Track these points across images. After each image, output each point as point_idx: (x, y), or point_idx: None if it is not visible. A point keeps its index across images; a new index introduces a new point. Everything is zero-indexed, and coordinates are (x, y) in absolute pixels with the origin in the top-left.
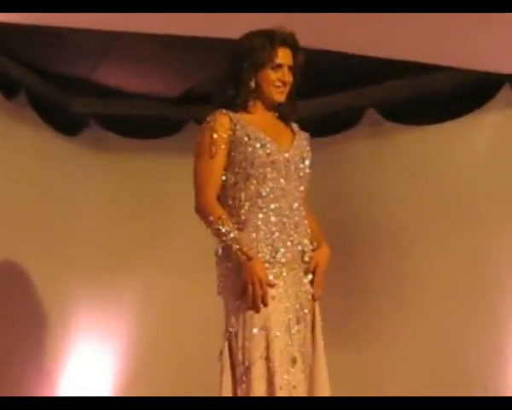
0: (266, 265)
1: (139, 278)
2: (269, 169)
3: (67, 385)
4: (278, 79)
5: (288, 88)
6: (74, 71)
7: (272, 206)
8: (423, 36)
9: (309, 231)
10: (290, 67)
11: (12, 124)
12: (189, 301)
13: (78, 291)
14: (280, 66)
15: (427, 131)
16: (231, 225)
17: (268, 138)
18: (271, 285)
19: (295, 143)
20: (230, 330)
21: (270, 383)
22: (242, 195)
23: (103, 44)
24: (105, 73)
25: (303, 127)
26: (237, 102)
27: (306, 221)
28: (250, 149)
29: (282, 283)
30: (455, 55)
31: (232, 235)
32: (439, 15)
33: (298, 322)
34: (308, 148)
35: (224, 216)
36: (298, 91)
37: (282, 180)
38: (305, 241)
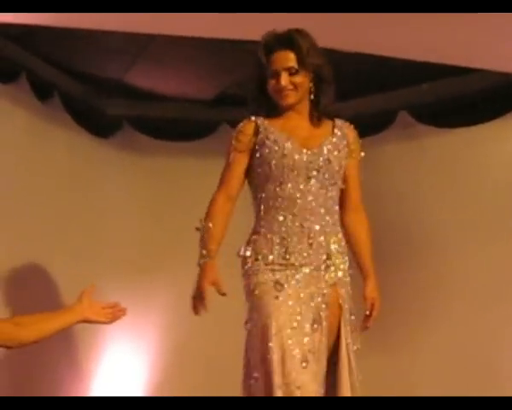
0: (277, 266)
1: (171, 279)
2: (286, 170)
3: (99, 386)
4: (275, 86)
5: (298, 88)
6: (108, 73)
7: (290, 208)
8: (455, 38)
9: (340, 237)
10: (291, 68)
11: (45, 126)
12: (221, 302)
13: (110, 293)
14: (276, 72)
15: (458, 134)
16: (212, 229)
17: (288, 140)
18: (220, 292)
19: (325, 143)
20: (245, 327)
21: (267, 382)
22: (262, 196)
23: (137, 46)
24: (138, 75)
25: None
26: (264, 110)
27: (339, 228)
28: (267, 151)
29: (293, 282)
30: (486, 58)
31: (202, 238)
32: (470, 16)
33: (314, 323)
34: (342, 147)
35: (213, 221)
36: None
37: (301, 182)
38: (332, 247)
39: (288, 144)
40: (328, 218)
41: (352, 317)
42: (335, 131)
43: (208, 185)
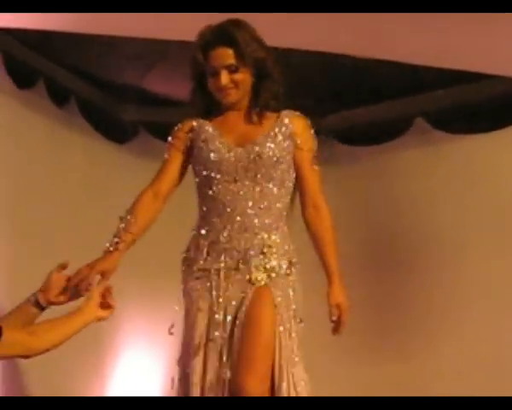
0: (199, 273)
1: None
2: (214, 170)
3: (115, 388)
4: (214, 85)
5: (240, 86)
6: (124, 78)
7: (220, 210)
8: (471, 44)
9: (275, 237)
10: (230, 66)
11: (62, 131)
12: None
13: (129, 297)
14: (215, 71)
15: (475, 140)
16: (129, 222)
17: (219, 138)
18: (103, 287)
19: (259, 138)
20: None
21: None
22: (200, 198)
23: (154, 52)
24: (155, 81)
25: (345, 134)
26: (205, 109)
27: (275, 226)
28: (197, 151)
29: (214, 292)
30: (503, 64)
31: (118, 227)
32: (486, 22)
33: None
34: (282, 139)
35: (132, 214)
36: (345, 99)
37: (231, 181)
38: (259, 246)
39: (217, 144)
40: (265, 219)
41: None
42: (277, 123)
43: None
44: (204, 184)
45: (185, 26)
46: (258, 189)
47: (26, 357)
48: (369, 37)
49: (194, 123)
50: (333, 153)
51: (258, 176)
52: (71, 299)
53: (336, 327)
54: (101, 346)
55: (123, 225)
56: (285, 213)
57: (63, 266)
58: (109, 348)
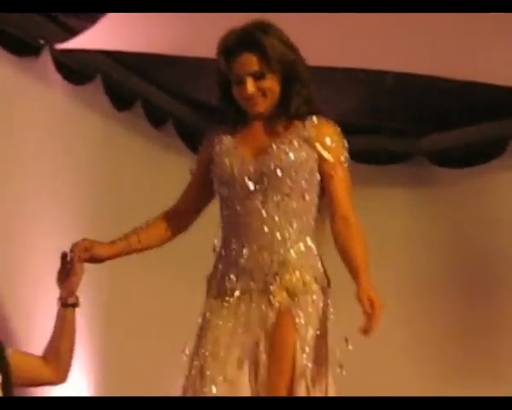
0: (218, 294)
1: None
2: (227, 186)
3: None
4: (240, 94)
5: (268, 94)
6: None
7: (236, 229)
8: None
9: (295, 256)
10: (256, 73)
11: (159, 152)
12: None
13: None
14: (240, 79)
15: None
16: (136, 229)
17: (234, 152)
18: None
19: (276, 148)
20: None
21: None
22: (221, 218)
23: None
24: None
25: (440, 157)
26: (232, 120)
27: (296, 241)
28: (213, 167)
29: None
30: None
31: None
32: None
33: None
34: (304, 148)
35: (144, 224)
36: (439, 121)
37: (244, 197)
38: (279, 264)
39: (230, 157)
40: (284, 235)
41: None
42: (301, 130)
43: None
44: (221, 203)
45: None
46: (273, 203)
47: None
48: (465, 59)
49: (214, 137)
50: (427, 175)
51: (272, 189)
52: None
53: (368, 324)
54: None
55: (134, 229)
56: (310, 228)
57: (64, 256)
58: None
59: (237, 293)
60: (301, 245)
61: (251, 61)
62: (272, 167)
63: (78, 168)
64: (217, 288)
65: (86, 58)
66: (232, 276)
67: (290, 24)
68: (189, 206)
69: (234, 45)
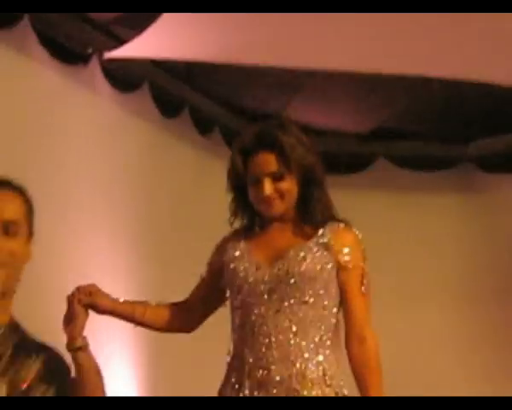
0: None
1: None
2: (239, 293)
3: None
4: (257, 196)
5: (285, 196)
6: (267, 107)
7: (248, 339)
8: None
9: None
10: (274, 173)
11: (206, 159)
12: None
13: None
14: (257, 179)
15: None
16: (149, 304)
17: (248, 257)
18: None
19: (292, 252)
20: None
21: None
22: (231, 326)
23: (296, 81)
24: (297, 110)
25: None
26: (247, 225)
27: (314, 354)
28: (225, 273)
29: None
30: None
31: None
32: None
33: None
34: (321, 255)
35: (159, 304)
36: (487, 126)
37: (257, 305)
38: (297, 379)
39: (244, 263)
40: (301, 347)
41: None
42: (320, 237)
43: (363, 218)
44: (232, 313)
45: (327, 56)
46: (289, 312)
47: None
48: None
49: (227, 242)
50: (475, 181)
51: (289, 297)
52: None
53: None
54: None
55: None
56: (329, 338)
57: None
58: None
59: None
60: (320, 357)
61: (269, 161)
62: (289, 275)
63: (126, 174)
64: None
65: (134, 66)
66: (246, 391)
67: (341, 26)
68: (197, 307)
69: (251, 144)
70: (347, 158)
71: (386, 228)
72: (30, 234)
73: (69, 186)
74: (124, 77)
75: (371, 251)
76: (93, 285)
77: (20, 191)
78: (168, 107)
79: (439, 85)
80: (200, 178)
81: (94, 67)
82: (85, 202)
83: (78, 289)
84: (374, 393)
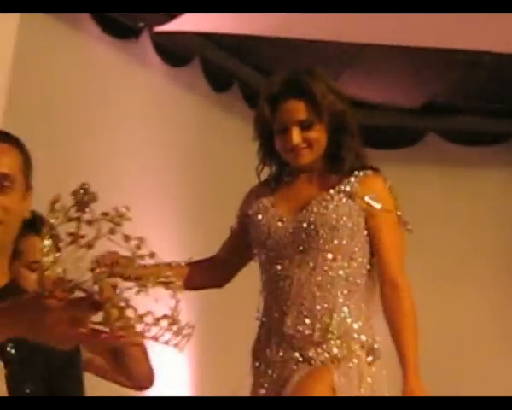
0: (260, 365)
1: None
2: (263, 247)
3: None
4: (284, 145)
5: (314, 145)
6: None
7: (275, 294)
8: None
9: (334, 326)
10: (303, 121)
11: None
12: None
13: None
14: (284, 127)
15: None
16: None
17: (271, 210)
18: None
19: (315, 203)
20: None
21: None
22: (261, 283)
23: (347, 55)
24: (347, 84)
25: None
26: (274, 174)
27: (341, 306)
28: (250, 227)
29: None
30: None
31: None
32: None
33: None
34: (347, 204)
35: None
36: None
37: (282, 258)
38: (320, 332)
39: (268, 216)
40: (327, 300)
41: None
42: (345, 185)
43: (413, 193)
44: (260, 268)
45: (379, 31)
46: (314, 265)
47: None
48: None
49: (253, 194)
50: None
51: (313, 250)
52: None
53: None
54: None
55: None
56: (358, 292)
57: None
58: None
59: (280, 363)
60: (346, 311)
61: (298, 109)
62: (311, 226)
63: (176, 148)
64: (259, 359)
65: (185, 40)
66: (274, 346)
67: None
68: (227, 260)
69: (280, 91)
70: (398, 133)
71: (436, 203)
72: (27, 188)
73: (121, 157)
74: (174, 51)
75: (421, 225)
76: (113, 253)
77: (15, 143)
78: (218, 81)
79: (490, 59)
80: (249, 151)
81: (145, 41)
82: (137, 172)
83: (98, 261)
84: (406, 336)
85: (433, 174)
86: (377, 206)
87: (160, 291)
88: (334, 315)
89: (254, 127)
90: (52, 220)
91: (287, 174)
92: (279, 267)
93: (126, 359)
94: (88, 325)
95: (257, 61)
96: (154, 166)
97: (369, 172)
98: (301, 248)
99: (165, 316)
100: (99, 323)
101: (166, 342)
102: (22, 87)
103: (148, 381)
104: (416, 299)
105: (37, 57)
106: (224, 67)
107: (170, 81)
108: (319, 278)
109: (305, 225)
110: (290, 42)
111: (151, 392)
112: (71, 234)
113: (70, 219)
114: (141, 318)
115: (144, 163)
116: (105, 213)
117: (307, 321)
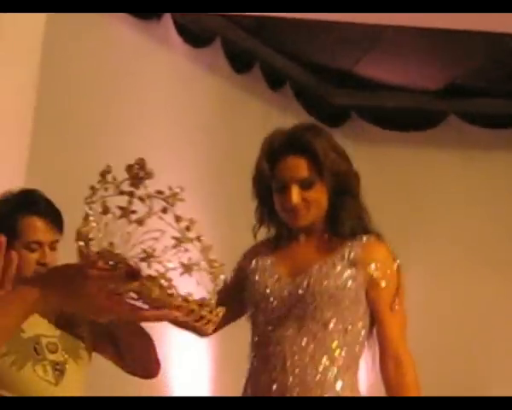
0: None
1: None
2: (257, 307)
3: None
4: (283, 204)
5: (312, 206)
6: (338, 63)
7: (265, 360)
8: None
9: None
10: (304, 180)
11: (277, 114)
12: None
13: None
14: (284, 185)
15: None
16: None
17: (270, 269)
18: None
19: (314, 268)
20: None
21: None
22: (250, 344)
23: (369, 38)
24: (368, 66)
25: None
26: (274, 235)
27: (336, 380)
28: (247, 285)
29: None
30: None
31: None
32: None
33: None
34: (346, 272)
35: None
36: None
37: (276, 323)
38: None
39: (265, 275)
40: (323, 372)
41: None
42: (348, 251)
43: (435, 175)
44: (252, 328)
45: (400, 13)
46: (309, 333)
47: None
48: None
49: (255, 251)
50: None
51: (309, 317)
52: None
53: None
54: None
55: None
56: (355, 363)
57: None
58: None
59: None
60: (340, 384)
61: (299, 166)
62: (310, 292)
63: (197, 128)
64: None
65: (206, 21)
66: None
67: None
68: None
69: (280, 146)
70: (419, 114)
71: (457, 185)
72: None
73: (145, 136)
74: (196, 32)
75: (442, 208)
76: None
77: None
78: (239, 62)
79: None
80: (270, 132)
81: (167, 21)
82: (160, 150)
83: None
84: None
85: (453, 156)
86: (382, 284)
87: (202, 275)
88: (329, 390)
89: (253, 185)
90: (102, 191)
91: (286, 234)
92: (271, 332)
93: (129, 349)
94: (125, 298)
95: (278, 43)
96: (175, 145)
97: (372, 238)
98: (296, 314)
99: (202, 299)
100: (137, 299)
101: (198, 320)
102: (51, 71)
103: (153, 370)
104: (437, 283)
105: (65, 41)
106: (245, 48)
107: (191, 62)
108: (314, 347)
109: (301, 291)
110: (311, 23)
111: (174, 392)
112: (121, 208)
113: (122, 193)
114: (179, 297)
115: (166, 142)
116: (159, 192)
117: (298, 392)
